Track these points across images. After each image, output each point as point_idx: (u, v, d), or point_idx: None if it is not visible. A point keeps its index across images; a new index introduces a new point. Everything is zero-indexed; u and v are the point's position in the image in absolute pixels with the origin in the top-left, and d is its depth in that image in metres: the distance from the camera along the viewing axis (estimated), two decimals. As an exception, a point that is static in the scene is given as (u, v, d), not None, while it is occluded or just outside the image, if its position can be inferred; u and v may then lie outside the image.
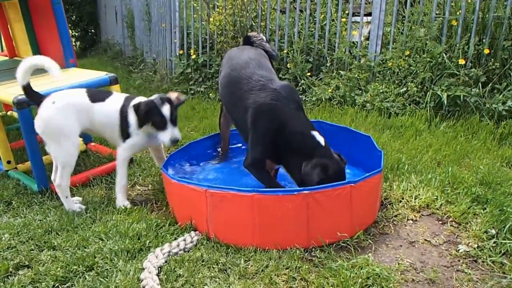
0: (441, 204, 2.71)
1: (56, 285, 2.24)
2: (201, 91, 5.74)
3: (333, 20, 5.07)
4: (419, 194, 2.82)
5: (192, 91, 5.81)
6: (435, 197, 2.77)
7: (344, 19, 4.85)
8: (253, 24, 5.53)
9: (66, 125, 2.88)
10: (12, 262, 2.47)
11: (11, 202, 3.23)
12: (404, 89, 4.18)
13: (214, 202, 2.38)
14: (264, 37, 3.40)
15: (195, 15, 6.13)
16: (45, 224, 2.81)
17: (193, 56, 5.85)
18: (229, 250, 2.37)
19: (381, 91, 4.21)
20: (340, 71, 4.66)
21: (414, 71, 4.21)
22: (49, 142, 2.92)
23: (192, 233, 2.50)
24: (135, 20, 8.76)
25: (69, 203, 2.96)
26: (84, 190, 3.31)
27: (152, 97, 2.91)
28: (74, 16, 11.85)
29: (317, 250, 2.33)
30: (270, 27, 5.47)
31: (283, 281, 2.13)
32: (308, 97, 4.69)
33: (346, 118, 4.10)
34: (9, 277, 2.37)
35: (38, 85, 3.38)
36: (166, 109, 2.79)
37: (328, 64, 4.86)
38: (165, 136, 2.80)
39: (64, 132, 2.88)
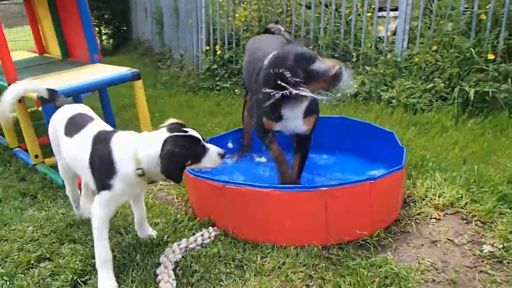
0: (465, 203, 2.62)
1: (75, 277, 2.27)
2: (226, 87, 5.76)
3: (359, 15, 4.98)
4: (443, 192, 2.73)
5: (218, 87, 5.84)
6: (460, 196, 2.68)
7: (369, 14, 4.75)
8: (279, 19, 5.49)
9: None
10: (34, 255, 2.52)
11: (36, 196, 3.32)
12: (431, 85, 4.07)
13: (232, 198, 2.37)
14: (281, 27, 3.44)
15: (221, 11, 6.14)
16: (68, 218, 2.87)
17: (219, 52, 5.87)
18: (247, 246, 2.36)
19: (407, 86, 4.11)
20: (366, 67, 4.57)
21: (441, 67, 4.09)
22: None
23: (210, 228, 2.50)
24: (164, 17, 8.83)
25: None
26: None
27: (162, 133, 2.03)
28: (107, 14, 12.06)
29: (335, 248, 2.29)
30: (296, 22, 5.42)
31: (299, 279, 2.10)
32: (333, 93, 4.62)
33: (371, 115, 4.03)
34: (30, 269, 2.42)
35: (59, 81, 3.45)
36: (195, 133, 2.09)
37: (353, 60, 4.78)
38: (211, 157, 2.08)
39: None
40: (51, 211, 3.04)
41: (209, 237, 2.43)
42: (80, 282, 2.26)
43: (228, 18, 6.03)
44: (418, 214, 2.60)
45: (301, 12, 5.29)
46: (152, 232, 2.51)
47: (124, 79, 3.58)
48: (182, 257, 2.31)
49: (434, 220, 2.55)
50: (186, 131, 2.04)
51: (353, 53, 4.81)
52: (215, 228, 2.51)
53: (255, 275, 2.15)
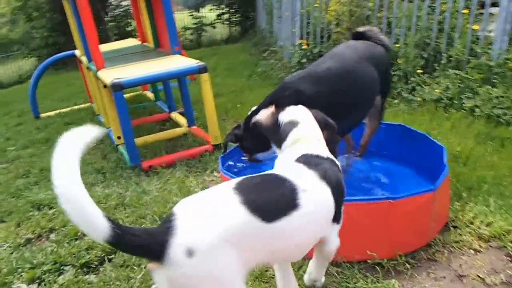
0: (516, 238, 2.29)
1: (103, 255, 2.52)
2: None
3: (456, 11, 4.51)
4: (493, 221, 2.41)
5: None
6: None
7: (465, 11, 4.27)
8: (370, 14, 5.23)
9: None
10: (81, 228, 2.84)
11: (106, 174, 3.69)
12: (525, 96, 3.56)
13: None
14: (375, 29, 3.00)
15: (315, 4, 6.04)
16: (120, 198, 3.16)
17: (304, 47, 5.80)
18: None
19: (495, 95, 3.65)
20: (455, 70, 4.14)
21: (543, 76, 3.55)
22: None
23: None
24: (273, 8, 8.94)
25: None
26: (167, 170, 3.59)
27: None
28: (236, 4, 12.64)
29: (344, 265, 2.18)
30: (387, 18, 5.11)
31: (296, 291, 2.06)
32: (415, 97, 4.30)
33: (446, 124, 3.67)
34: (75, 240, 2.74)
35: (131, 71, 3.73)
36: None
37: (443, 61, 4.36)
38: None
39: None
40: (112, 189, 3.37)
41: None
42: (107, 259, 2.50)
43: (321, 11, 5.91)
44: (456, 242, 2.34)
45: (393, 6, 4.95)
46: None
47: (191, 71, 3.77)
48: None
49: (472, 252, 2.27)
50: None
51: (444, 54, 4.38)
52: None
53: (254, 280, 2.16)
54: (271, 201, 1.45)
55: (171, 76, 3.86)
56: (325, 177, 1.61)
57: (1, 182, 3.92)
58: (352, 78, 2.51)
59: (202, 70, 3.71)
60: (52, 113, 6.14)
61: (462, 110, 3.81)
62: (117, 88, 3.43)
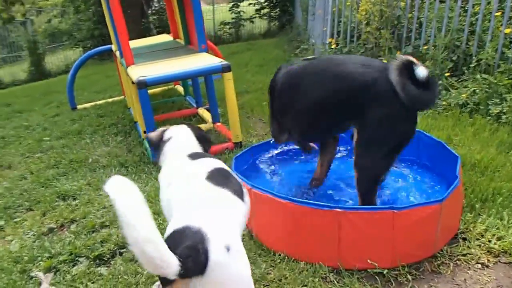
0: (527, 254, 2.22)
1: (116, 248, 2.63)
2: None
3: (489, 14, 4.34)
4: (505, 235, 2.35)
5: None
6: (523, 243, 2.27)
7: (498, 13, 4.11)
8: (400, 15, 5.12)
9: None
10: (99, 221, 2.98)
11: (128, 167, 3.81)
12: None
13: (256, 202, 2.43)
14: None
15: (347, 3, 5.96)
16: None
17: (333, 46, 5.74)
18: (262, 251, 2.41)
19: (524, 101, 3.52)
20: (484, 74, 4.00)
21: None
22: None
23: (238, 227, 2.60)
24: (309, 4, 8.88)
25: None
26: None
27: None
28: None
29: (345, 273, 2.19)
30: (418, 18, 4.99)
31: (293, 297, 2.09)
32: (440, 100, 4.20)
33: (469, 130, 3.57)
34: (93, 232, 2.87)
35: (151, 70, 3.82)
36: None
37: (472, 65, 4.22)
38: None
39: None
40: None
41: (233, 235, 2.54)
42: (118, 253, 2.61)
43: (352, 10, 5.83)
44: (464, 255, 2.29)
45: (425, 6, 4.82)
46: None
47: (214, 70, 3.82)
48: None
49: (479, 266, 2.23)
50: None
51: (474, 57, 4.24)
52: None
53: (254, 282, 2.19)
54: None
55: (195, 75, 3.94)
56: None
57: (33, 172, 4.12)
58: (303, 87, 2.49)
59: (225, 69, 3.75)
60: (88, 105, 6.37)
61: (488, 117, 3.69)
62: (142, 85, 3.54)
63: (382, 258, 2.18)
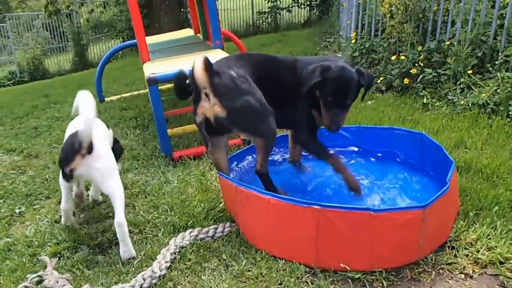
0: (514, 266, 2.14)
1: (114, 238, 2.75)
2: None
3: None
4: (495, 246, 2.27)
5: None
6: (512, 255, 2.20)
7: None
8: (426, 7, 4.96)
9: None
10: (104, 212, 3.12)
11: (139, 161, 3.94)
12: None
13: (242, 199, 2.48)
14: None
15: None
16: (144, 186, 3.39)
17: (353, 41, 5.64)
18: (245, 248, 2.45)
19: (545, 103, 3.34)
20: (509, 73, 3.82)
21: None
22: None
23: (227, 223, 2.66)
24: (339, -4, 8.76)
25: None
26: (194, 162, 3.76)
27: None
28: None
29: (321, 274, 2.20)
30: (444, 11, 4.81)
31: (266, 295, 2.13)
32: (459, 99, 4.06)
33: (483, 132, 3.44)
34: (98, 222, 3.01)
35: (163, 67, 3.90)
36: None
37: (498, 62, 4.04)
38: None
39: None
40: (140, 177, 3.61)
41: (222, 232, 2.60)
42: (115, 243, 2.73)
43: (377, 3, 5.70)
44: (449, 264, 2.24)
45: None
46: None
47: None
48: (191, 244, 2.54)
49: (463, 276, 2.17)
50: None
51: (501, 53, 4.05)
52: (233, 224, 2.66)
53: (232, 278, 2.25)
54: None
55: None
56: None
57: (56, 162, 4.34)
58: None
59: (233, 67, 3.79)
60: (115, 97, 6.59)
61: (508, 118, 3.53)
62: (152, 82, 3.65)
63: (359, 260, 2.17)
